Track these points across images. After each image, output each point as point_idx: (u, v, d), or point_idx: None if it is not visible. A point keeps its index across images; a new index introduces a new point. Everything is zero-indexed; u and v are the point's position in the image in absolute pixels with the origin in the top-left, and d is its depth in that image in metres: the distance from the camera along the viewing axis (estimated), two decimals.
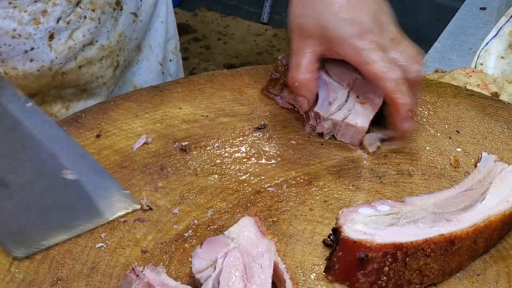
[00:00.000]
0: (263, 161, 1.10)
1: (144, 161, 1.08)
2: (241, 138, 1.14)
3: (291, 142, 1.13)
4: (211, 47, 3.92)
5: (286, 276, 0.85)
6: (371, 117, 1.11)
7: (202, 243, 0.88)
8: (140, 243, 0.95)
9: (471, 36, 1.66)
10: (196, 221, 0.99)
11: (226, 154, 1.10)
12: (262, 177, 1.07)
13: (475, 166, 1.04)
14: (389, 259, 0.88)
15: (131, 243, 0.95)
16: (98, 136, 1.12)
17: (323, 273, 0.91)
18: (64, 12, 1.17)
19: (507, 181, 1.00)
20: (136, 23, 1.33)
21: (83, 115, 1.16)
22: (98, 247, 0.94)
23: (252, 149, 1.11)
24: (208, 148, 1.11)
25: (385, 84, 1.04)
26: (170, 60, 1.47)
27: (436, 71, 1.49)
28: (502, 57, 1.49)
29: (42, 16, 1.15)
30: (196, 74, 1.29)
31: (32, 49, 1.15)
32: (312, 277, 0.92)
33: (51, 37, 1.17)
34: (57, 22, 1.16)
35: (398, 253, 0.88)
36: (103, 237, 0.96)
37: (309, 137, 1.14)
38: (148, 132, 1.13)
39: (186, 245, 0.95)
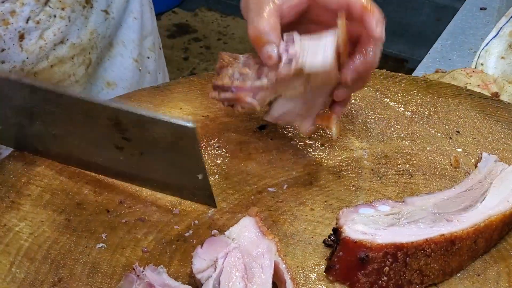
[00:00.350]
0: (264, 161, 1.10)
1: None
2: (241, 139, 1.14)
3: (291, 142, 1.14)
4: (211, 47, 3.92)
5: (287, 276, 0.85)
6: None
7: (202, 243, 0.88)
8: (140, 243, 0.95)
9: (471, 36, 1.67)
10: (196, 221, 0.99)
11: (227, 154, 1.10)
12: (263, 177, 1.07)
13: (476, 166, 1.04)
14: (389, 259, 0.88)
15: (131, 243, 0.95)
16: None
17: (324, 273, 0.91)
18: (33, 11, 1.16)
19: (508, 181, 1.00)
20: (108, 20, 1.31)
21: None
22: (98, 247, 0.94)
23: (253, 150, 1.12)
24: (208, 149, 1.11)
25: (371, 17, 0.98)
26: (148, 58, 1.45)
27: (437, 71, 1.49)
28: (502, 57, 1.49)
29: (11, 16, 1.13)
30: (196, 74, 1.29)
31: (2, 50, 1.15)
32: (312, 277, 0.92)
33: (21, 37, 1.16)
34: (27, 22, 1.15)
35: (398, 253, 0.88)
36: (103, 237, 0.96)
37: (309, 137, 1.14)
38: None
39: (187, 245, 0.95)
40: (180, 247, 0.95)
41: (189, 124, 0.93)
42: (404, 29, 4.01)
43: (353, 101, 1.22)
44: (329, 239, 0.96)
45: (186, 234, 0.97)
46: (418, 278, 0.90)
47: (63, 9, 1.19)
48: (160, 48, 1.52)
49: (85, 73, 1.29)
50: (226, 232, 0.89)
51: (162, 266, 0.87)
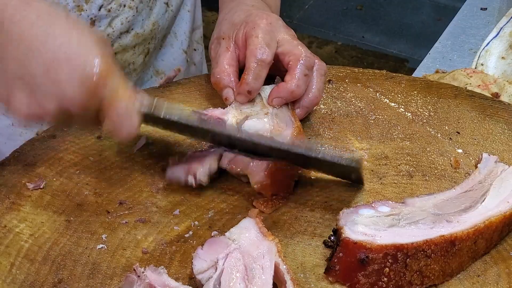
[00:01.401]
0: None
1: (145, 162, 1.08)
2: None
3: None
4: None
5: (287, 277, 0.85)
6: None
7: (203, 244, 0.88)
8: (140, 244, 0.95)
9: (471, 37, 1.66)
10: (196, 222, 0.99)
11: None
12: None
13: (476, 167, 1.04)
14: (389, 260, 0.88)
15: (131, 244, 0.95)
16: (99, 137, 1.12)
17: (324, 274, 0.91)
18: (106, 0, 1.21)
19: (508, 182, 1.00)
20: (168, 12, 1.37)
21: None
22: (99, 248, 0.94)
23: None
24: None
25: (250, 57, 1.11)
26: (195, 50, 1.50)
27: (437, 72, 1.49)
28: (503, 58, 1.49)
29: (86, 3, 1.19)
30: (196, 74, 1.30)
31: None
32: (312, 278, 0.92)
33: (92, 24, 1.21)
34: (99, 9, 1.21)
35: (398, 254, 0.88)
36: (103, 238, 0.96)
37: (309, 138, 1.14)
38: (149, 133, 1.13)
39: (187, 246, 0.95)
40: (180, 248, 0.95)
41: (355, 165, 1.00)
42: (404, 28, 4.01)
43: (353, 101, 1.22)
44: (329, 240, 0.96)
45: (186, 235, 0.97)
46: (418, 279, 0.90)
47: None
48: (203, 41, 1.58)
49: (142, 62, 1.34)
50: (226, 233, 0.89)
51: (162, 266, 0.87)
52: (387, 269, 0.89)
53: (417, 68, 1.57)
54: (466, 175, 1.08)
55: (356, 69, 1.30)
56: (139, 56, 1.32)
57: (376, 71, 1.29)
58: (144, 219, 0.99)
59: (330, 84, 1.25)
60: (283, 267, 0.86)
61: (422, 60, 1.61)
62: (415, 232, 0.91)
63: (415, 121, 1.18)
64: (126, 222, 0.98)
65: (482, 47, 1.52)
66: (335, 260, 0.90)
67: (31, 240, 0.95)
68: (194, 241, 0.96)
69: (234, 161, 1.03)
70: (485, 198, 0.98)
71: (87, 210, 1.00)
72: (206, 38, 1.56)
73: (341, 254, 0.90)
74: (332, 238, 0.94)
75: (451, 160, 1.10)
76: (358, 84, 1.26)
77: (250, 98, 1.12)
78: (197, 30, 1.50)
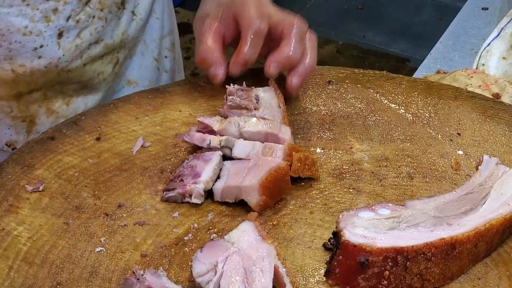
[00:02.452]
0: None
1: (144, 164, 1.08)
2: None
3: None
4: None
5: (287, 280, 0.85)
6: None
7: (202, 247, 0.88)
8: (139, 247, 0.95)
9: (473, 37, 1.66)
10: (196, 225, 0.99)
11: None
12: None
13: (477, 168, 1.04)
14: (389, 263, 0.88)
15: (130, 247, 0.95)
16: (98, 139, 1.11)
17: (324, 277, 0.91)
18: (74, 10, 1.19)
19: (508, 185, 0.99)
20: (136, 21, 1.34)
21: (83, 118, 1.16)
22: (97, 251, 0.94)
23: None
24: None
25: (247, 29, 1.12)
26: (166, 57, 1.48)
27: (438, 72, 1.49)
28: (504, 58, 1.49)
29: (53, 14, 1.17)
30: (197, 74, 1.29)
31: (41, 46, 1.18)
32: (312, 281, 0.91)
33: (60, 35, 1.19)
34: (67, 20, 1.19)
35: (398, 257, 0.88)
36: (102, 241, 0.95)
37: (309, 140, 1.14)
38: (148, 135, 1.13)
39: (186, 249, 0.95)
40: (180, 251, 0.95)
41: None
42: (406, 28, 4.01)
43: (353, 102, 1.21)
44: (329, 243, 0.95)
45: (186, 238, 0.96)
46: (418, 282, 0.90)
47: (101, 10, 1.23)
48: (179, 48, 1.57)
49: (112, 71, 1.33)
50: (225, 237, 0.89)
51: (162, 269, 0.86)
52: (387, 272, 0.88)
53: (418, 68, 1.56)
54: (466, 176, 1.07)
55: (356, 70, 1.29)
56: (108, 65, 1.31)
57: (377, 72, 1.29)
58: (143, 222, 0.99)
59: (330, 85, 1.25)
60: (282, 270, 0.86)
61: (423, 60, 1.60)
62: (415, 235, 0.91)
63: (415, 123, 1.18)
64: (125, 225, 0.98)
65: (483, 47, 1.52)
66: (335, 263, 0.90)
67: (30, 243, 0.95)
68: (194, 244, 0.96)
69: (225, 193, 1.02)
70: (485, 201, 0.97)
71: (85, 212, 1.00)
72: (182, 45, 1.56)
73: (340, 257, 0.89)
74: (332, 241, 0.93)
75: (451, 162, 1.10)
76: (358, 85, 1.25)
77: (245, 69, 1.13)
78: (167, 37, 1.48)
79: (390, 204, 0.96)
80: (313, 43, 1.16)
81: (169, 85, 1.26)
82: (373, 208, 0.95)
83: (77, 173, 1.05)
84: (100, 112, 1.17)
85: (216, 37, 1.15)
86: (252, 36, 1.11)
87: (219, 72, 1.14)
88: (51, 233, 0.96)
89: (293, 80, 1.14)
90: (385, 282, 0.88)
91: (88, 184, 1.04)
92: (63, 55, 1.21)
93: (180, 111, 1.18)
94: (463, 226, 0.93)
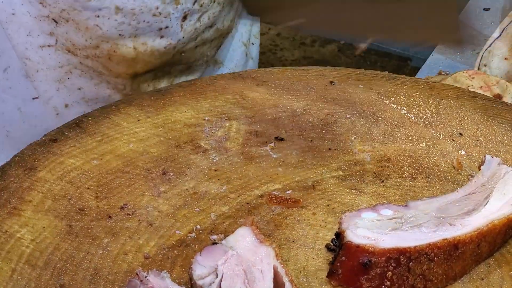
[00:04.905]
0: (266, 165, 1.09)
1: (146, 165, 1.08)
2: (244, 142, 1.13)
3: (293, 147, 1.13)
4: None
5: (286, 279, 0.85)
6: None
7: (201, 251, 0.88)
8: (142, 249, 0.95)
9: (474, 38, 1.66)
10: (198, 226, 0.99)
11: (229, 159, 1.10)
12: (265, 182, 1.06)
13: (479, 169, 1.04)
14: (392, 264, 0.88)
15: (133, 249, 0.95)
16: (100, 141, 1.11)
17: (326, 278, 0.91)
18: None
19: (511, 185, 0.99)
20: (240, 6, 1.40)
21: (86, 120, 1.16)
22: (100, 253, 0.94)
23: (255, 154, 1.11)
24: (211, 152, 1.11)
25: None
26: (253, 44, 1.52)
27: (440, 73, 1.48)
28: (505, 58, 1.49)
29: None
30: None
31: (166, 27, 1.22)
32: (315, 282, 0.91)
33: (184, 17, 1.23)
34: (193, 4, 1.23)
35: (401, 257, 0.88)
36: (105, 243, 0.95)
37: (311, 140, 1.14)
38: (150, 136, 1.13)
39: (189, 250, 0.95)
40: (182, 252, 0.95)
41: None
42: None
43: (355, 103, 1.21)
44: (331, 244, 0.95)
45: (188, 240, 0.97)
46: (421, 282, 0.90)
47: None
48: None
49: (214, 54, 1.38)
50: (223, 241, 0.89)
51: (165, 271, 0.86)
52: (390, 273, 0.88)
53: (420, 69, 1.56)
54: (469, 177, 1.07)
55: (358, 70, 1.29)
56: (213, 49, 1.35)
57: (378, 72, 1.29)
58: (145, 223, 0.99)
59: (333, 85, 1.25)
60: (281, 270, 0.86)
61: (425, 59, 1.60)
62: (418, 236, 0.91)
63: (417, 123, 1.18)
64: (127, 227, 0.98)
65: (484, 48, 1.51)
66: (338, 264, 0.90)
67: (32, 245, 0.95)
68: (196, 246, 0.96)
69: None
70: (488, 201, 0.97)
71: (88, 214, 1.00)
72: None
73: (343, 258, 0.89)
74: (335, 242, 0.93)
75: (453, 162, 1.10)
76: (360, 86, 1.25)
77: None
78: (255, 24, 1.52)
79: (393, 205, 0.96)
80: None
81: (171, 87, 1.26)
82: (375, 208, 0.95)
83: (79, 175, 1.05)
84: (102, 114, 1.17)
85: None
86: None
87: None
88: (54, 235, 0.97)
89: None
90: (388, 282, 0.88)
91: (91, 186, 1.04)
92: (183, 37, 1.25)
93: (182, 112, 1.19)
94: (465, 227, 0.93)
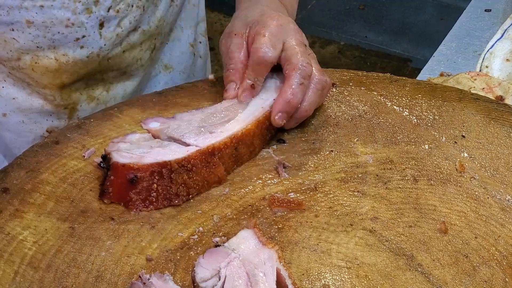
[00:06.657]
0: (268, 167, 1.09)
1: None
2: None
3: (295, 148, 1.13)
4: (215, 48, 3.92)
5: (289, 282, 0.85)
6: None
7: (204, 253, 0.88)
8: (145, 251, 0.95)
9: (476, 39, 1.66)
10: (201, 228, 0.99)
11: None
12: (267, 183, 1.06)
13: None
14: (156, 177, 0.99)
15: (136, 251, 0.95)
16: (101, 143, 1.11)
17: (325, 280, 0.91)
18: (114, 1, 1.22)
19: (269, 90, 1.14)
20: (173, 7, 1.38)
21: (88, 122, 1.16)
22: (103, 256, 0.94)
23: (257, 156, 1.11)
24: None
25: (254, 55, 1.14)
26: (200, 42, 1.53)
27: (441, 75, 1.48)
28: (507, 60, 1.49)
29: (94, 5, 1.19)
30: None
31: (83, 36, 1.20)
32: (318, 284, 0.91)
33: (101, 25, 1.21)
34: (108, 11, 1.21)
35: (163, 170, 0.99)
36: (108, 245, 0.95)
37: (313, 143, 1.14)
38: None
39: (191, 252, 0.95)
40: (185, 255, 0.95)
41: None
42: (407, 28, 4.00)
43: (357, 105, 1.21)
44: (100, 165, 1.04)
45: (191, 242, 0.96)
46: (184, 190, 1.01)
47: None
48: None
49: (149, 57, 1.36)
50: (225, 244, 0.89)
51: (168, 273, 0.86)
52: (155, 185, 0.99)
53: (422, 71, 1.56)
54: (471, 179, 1.07)
55: (360, 73, 1.29)
56: (146, 52, 1.34)
57: (380, 74, 1.29)
58: (148, 226, 0.99)
59: (334, 88, 1.25)
60: (284, 273, 0.86)
61: (425, 60, 1.60)
62: (176, 149, 1.02)
63: (419, 125, 1.18)
64: (130, 229, 0.98)
65: (486, 49, 1.51)
66: (108, 184, 1.00)
67: (35, 247, 0.95)
68: (199, 248, 0.96)
69: None
70: (246, 108, 1.10)
71: (91, 216, 1.00)
72: (209, 32, 1.59)
73: (112, 177, 0.99)
74: (102, 164, 1.02)
75: (456, 164, 1.10)
76: (362, 88, 1.25)
77: (251, 95, 1.13)
78: (201, 22, 1.52)
79: (160, 117, 1.10)
80: (317, 86, 1.14)
81: (172, 89, 1.26)
82: (144, 122, 1.10)
83: (82, 177, 1.05)
84: (104, 116, 1.17)
85: (244, 57, 1.16)
86: (256, 64, 1.13)
87: (231, 89, 1.15)
88: (57, 237, 0.96)
89: (288, 123, 1.14)
90: (154, 194, 0.99)
91: (93, 188, 1.04)
92: (105, 44, 1.24)
93: None
94: (224, 133, 1.05)
